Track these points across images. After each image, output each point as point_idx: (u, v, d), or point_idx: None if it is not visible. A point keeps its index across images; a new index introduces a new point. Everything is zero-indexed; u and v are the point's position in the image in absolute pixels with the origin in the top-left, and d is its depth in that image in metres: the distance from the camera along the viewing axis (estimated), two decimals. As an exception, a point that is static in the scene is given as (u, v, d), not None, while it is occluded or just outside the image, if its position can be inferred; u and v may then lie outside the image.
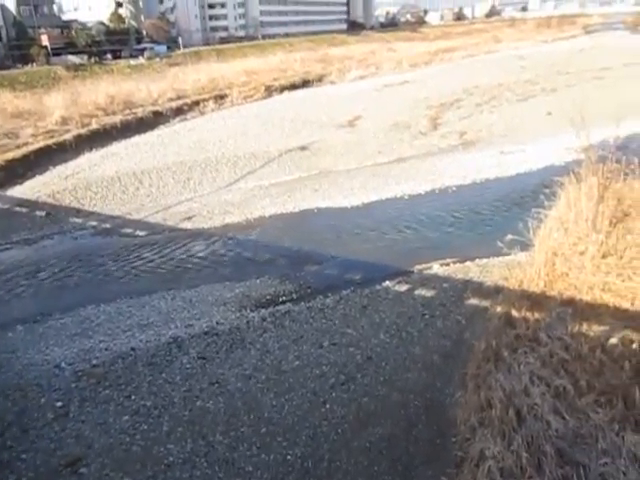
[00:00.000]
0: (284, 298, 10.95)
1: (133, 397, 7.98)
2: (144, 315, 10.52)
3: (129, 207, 17.40)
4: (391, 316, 9.74)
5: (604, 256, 7.89)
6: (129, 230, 15.66)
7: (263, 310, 10.39)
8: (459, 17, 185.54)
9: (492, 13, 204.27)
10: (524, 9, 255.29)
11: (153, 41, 66.82)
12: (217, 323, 10.00)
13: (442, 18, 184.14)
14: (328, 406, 7.52)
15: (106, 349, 9.32)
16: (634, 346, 5.63)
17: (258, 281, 11.73)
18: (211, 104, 37.00)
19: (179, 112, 34.49)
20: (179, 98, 36.77)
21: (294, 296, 11.02)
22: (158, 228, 15.51)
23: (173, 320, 10.24)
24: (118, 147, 25.75)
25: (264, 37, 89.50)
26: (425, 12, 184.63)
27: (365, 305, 10.26)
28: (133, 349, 9.26)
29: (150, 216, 16.49)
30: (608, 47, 69.66)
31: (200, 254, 13.61)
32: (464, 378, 7.13)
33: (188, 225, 15.59)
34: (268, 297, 11.02)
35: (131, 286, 12.04)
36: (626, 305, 6.62)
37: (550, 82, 38.96)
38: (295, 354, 8.80)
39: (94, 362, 8.92)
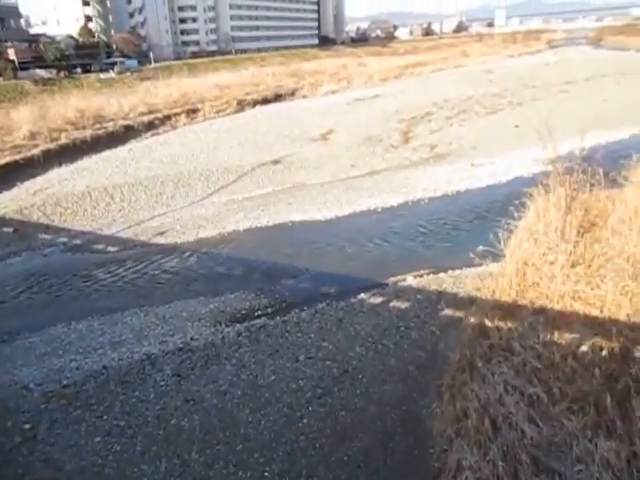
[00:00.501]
0: (259, 312, 10.89)
1: (105, 417, 7.80)
2: (116, 332, 10.34)
3: (100, 222, 17.13)
4: (367, 329, 9.76)
5: (573, 265, 8.06)
6: (100, 246, 15.41)
7: (238, 325, 10.30)
8: (428, 32, 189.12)
9: (460, 28, 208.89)
10: (490, 25, 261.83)
11: (124, 55, 66.31)
12: (192, 339, 9.88)
13: (411, 33, 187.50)
14: (305, 420, 7.47)
15: (77, 368, 9.10)
16: (604, 353, 5.74)
17: (233, 296, 11.65)
18: (183, 118, 36.85)
19: (151, 126, 34.24)
20: (151, 112, 36.50)
21: (269, 310, 10.96)
22: (130, 243, 15.30)
23: (146, 337, 10.08)
24: (89, 162, 25.39)
25: (236, 52, 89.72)
26: (395, 27, 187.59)
27: (341, 318, 10.27)
28: (105, 368, 9.08)
29: (122, 231, 16.27)
30: (572, 61, 71.86)
31: (173, 269, 13.47)
32: (440, 389, 7.18)
33: (161, 240, 15.42)
34: (243, 312, 10.94)
35: (103, 303, 11.81)
36: (595, 313, 6.76)
37: (517, 96, 39.93)
38: (271, 369, 8.74)
39: (64, 382, 8.70)
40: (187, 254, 14.27)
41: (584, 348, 5.90)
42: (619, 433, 4.82)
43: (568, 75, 51.40)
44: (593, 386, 5.31)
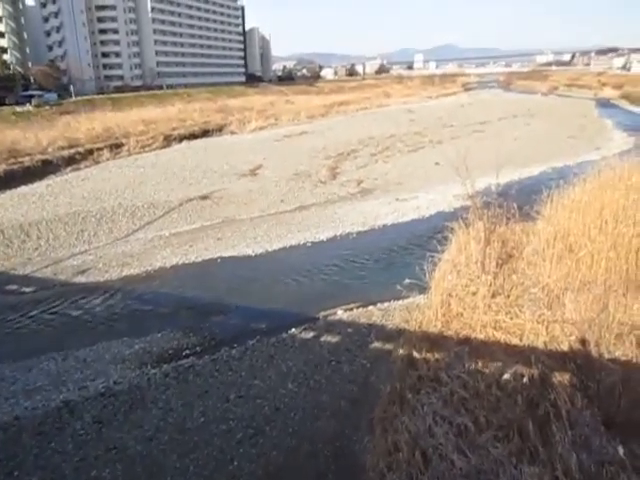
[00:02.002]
0: (188, 352, 10.56)
1: (16, 473, 7.20)
2: (30, 379, 9.66)
3: (14, 262, 16.13)
4: (298, 364, 9.69)
5: (494, 295, 8.43)
6: (14, 287, 14.47)
7: (165, 366, 9.93)
8: (351, 73, 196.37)
9: (382, 70, 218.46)
10: (410, 67, 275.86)
11: (42, 88, 63.96)
12: (115, 383, 9.40)
13: (336, 73, 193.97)
14: (236, 463, 7.24)
15: (-16, 421, 8.40)
16: (525, 380, 5.99)
17: (159, 335, 11.24)
18: (106, 153, 35.90)
19: (71, 161, 33.02)
20: (71, 147, 35.27)
21: (198, 349, 10.65)
22: (48, 283, 14.47)
23: (64, 383, 9.48)
24: (2, 198, 24.04)
25: (161, 87, 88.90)
26: (320, 67, 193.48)
27: (272, 354, 10.14)
28: (17, 418, 8.43)
29: (38, 271, 15.39)
30: (485, 103, 76.69)
31: (95, 309, 12.84)
32: (372, 423, 7.20)
33: (82, 279, 14.71)
34: (170, 351, 10.56)
35: (15, 348, 11.01)
36: (515, 341, 7.07)
37: (437, 134, 41.98)
38: (200, 410, 8.45)
39: (-30, 437, 7.99)
40: (110, 293, 13.68)
41: (507, 376, 6.13)
42: (542, 458, 5.00)
43: (482, 116, 54.80)
44: (516, 413, 5.51)
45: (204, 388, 9.09)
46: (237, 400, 8.68)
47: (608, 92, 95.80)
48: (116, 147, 37.84)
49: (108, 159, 35.12)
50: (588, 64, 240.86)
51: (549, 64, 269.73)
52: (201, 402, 8.66)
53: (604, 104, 73.20)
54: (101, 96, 69.17)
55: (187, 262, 15.70)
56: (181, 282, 14.34)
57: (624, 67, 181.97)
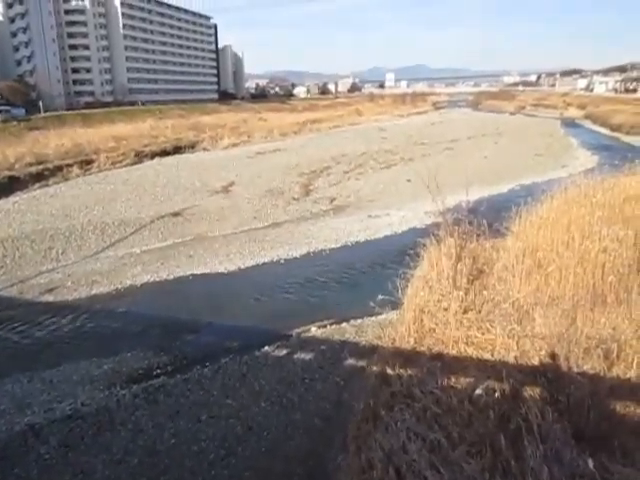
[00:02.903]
0: (158, 371, 10.36)
1: (-21, 500, 6.93)
2: (-6, 402, 9.33)
3: (-22, 281, 15.67)
4: (271, 382, 9.59)
5: (465, 311, 8.50)
6: (-23, 307, 14.04)
7: (135, 386, 9.71)
8: (324, 91, 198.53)
9: (354, 89, 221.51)
10: (382, 86, 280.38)
11: (9, 104, 62.83)
12: (82, 404, 9.15)
13: (308, 91, 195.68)
14: (208, 485, 7.09)
15: (-56, 447, 8.07)
16: (496, 395, 6.02)
17: (129, 355, 11.01)
18: (76, 169, 35.36)
19: (40, 177, 32.38)
20: (40, 163, 34.60)
21: (169, 368, 10.46)
22: (13, 303, 14.07)
23: (30, 405, 9.18)
24: (-34, 215, 23.42)
25: (132, 103, 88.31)
26: (293, 85, 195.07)
27: (244, 373, 10.03)
28: (-21, 443, 8.13)
29: (3, 290, 14.96)
30: (455, 122, 78.22)
31: (63, 329, 12.52)
32: (345, 440, 7.13)
33: (49, 298, 14.35)
34: (141, 371, 10.35)
35: (-21, 370, 10.66)
36: (487, 356, 7.13)
37: (408, 152, 42.58)
38: (171, 431, 8.27)
39: None
40: (79, 312, 13.37)
41: (479, 391, 6.16)
42: (514, 473, 5.02)
43: (452, 134, 55.85)
44: (488, 428, 5.53)
45: (175, 408, 8.91)
46: (209, 420, 8.54)
47: (573, 112, 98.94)
48: (86, 163, 37.32)
49: (78, 175, 34.59)
50: (553, 85, 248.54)
51: (516, 84, 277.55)
52: (172, 423, 8.49)
53: (569, 123, 75.44)
54: (71, 112, 68.26)
55: (158, 280, 15.48)
56: (152, 300, 14.12)
57: (587, 88, 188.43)
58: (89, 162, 37.82)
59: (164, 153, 45.29)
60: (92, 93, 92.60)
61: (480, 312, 8.44)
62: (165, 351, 11.16)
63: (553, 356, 6.73)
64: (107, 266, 16.70)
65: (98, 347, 11.50)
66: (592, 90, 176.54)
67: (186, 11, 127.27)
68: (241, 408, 8.84)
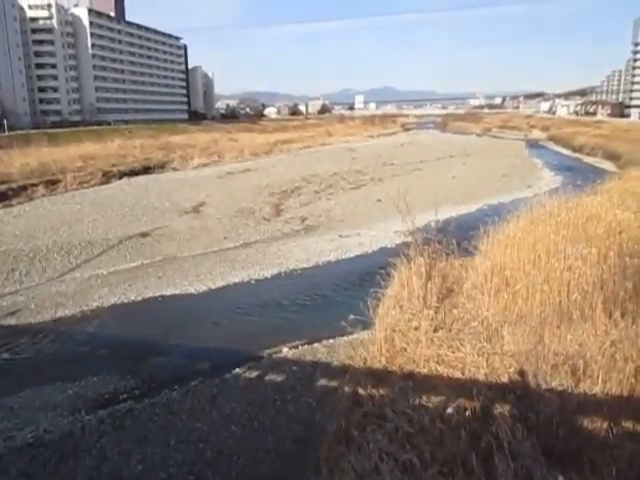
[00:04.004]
0: (125, 395, 10.08)
1: None
2: (-49, 431, 8.93)
3: (-64, 304, 15.10)
4: (242, 405, 9.44)
5: (436, 330, 8.55)
6: None
7: (101, 411, 9.43)
8: (294, 112, 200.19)
9: (324, 110, 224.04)
10: (351, 108, 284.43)
11: (-28, 122, 61.60)
12: (45, 431, 8.82)
13: (279, 112, 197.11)
14: (177, 513, 6.89)
15: None
16: (467, 413, 6.05)
17: (95, 379, 10.70)
18: (41, 189, 34.66)
19: (3, 197, 31.61)
20: (3, 183, 33.83)
21: (137, 392, 10.20)
22: (-27, 327, 13.59)
23: (-11, 434, 8.82)
24: None
25: (100, 123, 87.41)
26: (263, 106, 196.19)
27: (215, 395, 9.84)
28: None
29: (-37, 313, 14.45)
30: (424, 143, 79.63)
31: (25, 353, 12.10)
32: (318, 463, 7.04)
33: (11, 321, 13.89)
34: (107, 396, 10.06)
35: None
36: (458, 375, 7.17)
37: (378, 172, 43.09)
38: (138, 457, 8.03)
39: None
40: (42, 335, 12.97)
41: (450, 410, 6.17)
42: (486, 491, 5.03)
43: (421, 155, 56.82)
44: (460, 447, 5.53)
45: (142, 433, 8.67)
46: (178, 445, 8.33)
47: (537, 134, 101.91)
48: (52, 183, 36.61)
49: (43, 195, 33.90)
50: (517, 107, 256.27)
51: (482, 107, 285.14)
52: (139, 449, 8.25)
53: (533, 145, 77.60)
54: (37, 131, 67.10)
55: (126, 301, 15.17)
56: (120, 322, 13.81)
57: (550, 110, 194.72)
58: (55, 182, 37.13)
59: (133, 173, 44.83)
60: (59, 112, 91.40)
61: (450, 330, 8.51)
62: (133, 374, 10.89)
63: (522, 373, 6.81)
64: (73, 288, 16.31)
65: (62, 371, 11.15)
66: (554, 113, 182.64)
67: (156, 31, 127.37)
68: (211, 432, 8.65)
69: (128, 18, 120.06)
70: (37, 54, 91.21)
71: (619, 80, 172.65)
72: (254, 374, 10.66)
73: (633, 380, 6.33)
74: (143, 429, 8.82)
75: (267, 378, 10.43)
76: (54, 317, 14.11)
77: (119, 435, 8.66)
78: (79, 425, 8.98)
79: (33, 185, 34.91)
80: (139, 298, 15.40)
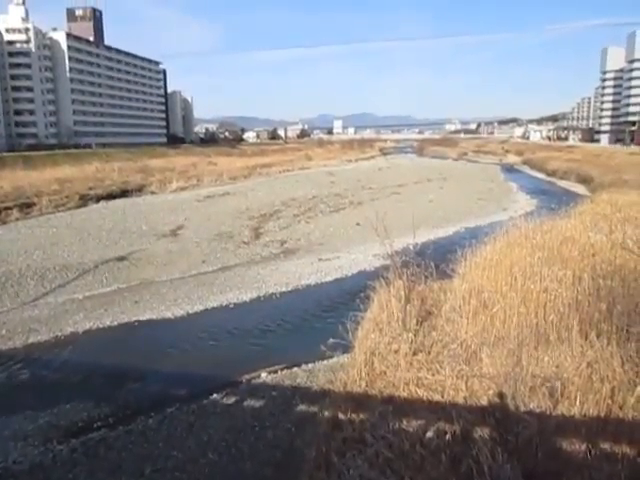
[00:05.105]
0: (99, 423, 9.80)
1: None
2: None
3: None
4: (220, 432, 9.25)
5: (415, 353, 8.55)
6: None
7: (74, 440, 9.14)
8: (274, 137, 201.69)
9: (303, 134, 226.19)
10: (330, 132, 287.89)
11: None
12: (14, 462, 8.51)
13: (258, 137, 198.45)
14: None
15: None
16: (447, 437, 6.02)
17: (68, 406, 10.39)
18: (15, 213, 34.12)
19: (-25, 221, 31.05)
20: (-25, 206, 33.27)
21: (111, 420, 9.93)
22: (-59, 354, 13.16)
23: (-45, 466, 8.48)
24: None
25: (77, 146, 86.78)
26: (242, 130, 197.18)
27: (192, 422, 9.64)
28: None
29: None
30: (401, 167, 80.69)
31: (-5, 381, 11.74)
32: (298, 490, 6.93)
33: (-19, 348, 13.50)
34: (80, 424, 9.77)
35: None
36: (437, 398, 7.15)
37: (357, 196, 43.42)
38: (112, 488, 7.79)
39: None
40: (13, 362, 12.59)
41: (430, 434, 6.14)
42: (467, 516, 4.99)
43: (399, 179, 57.50)
44: (440, 471, 5.50)
45: (116, 463, 8.43)
46: (153, 474, 8.10)
47: (512, 158, 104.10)
48: (27, 207, 36.10)
49: (17, 219, 33.36)
50: (492, 132, 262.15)
51: (458, 132, 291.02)
52: (113, 479, 8.00)
53: (508, 169, 79.23)
54: (12, 154, 66.30)
55: (101, 327, 14.87)
56: (94, 348, 13.52)
57: (523, 136, 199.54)
58: (30, 205, 36.63)
59: (110, 196, 44.46)
60: (35, 135, 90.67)
61: (429, 353, 8.51)
62: (107, 402, 10.62)
63: (501, 396, 6.83)
64: (46, 313, 15.95)
65: (34, 399, 10.81)
66: (528, 138, 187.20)
67: (135, 56, 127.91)
68: (188, 460, 8.45)
69: (108, 43, 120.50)
70: (14, 77, 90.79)
71: (589, 107, 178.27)
72: (232, 400, 10.49)
73: (609, 401, 6.39)
74: (117, 458, 8.57)
75: (245, 404, 10.27)
76: (26, 343, 13.74)
77: (92, 465, 8.39)
78: (50, 455, 8.70)
79: (7, 208, 34.37)
80: (115, 323, 15.12)
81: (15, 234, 28.37)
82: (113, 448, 8.86)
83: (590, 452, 5.68)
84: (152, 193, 48.80)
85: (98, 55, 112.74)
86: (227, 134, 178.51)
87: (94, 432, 9.45)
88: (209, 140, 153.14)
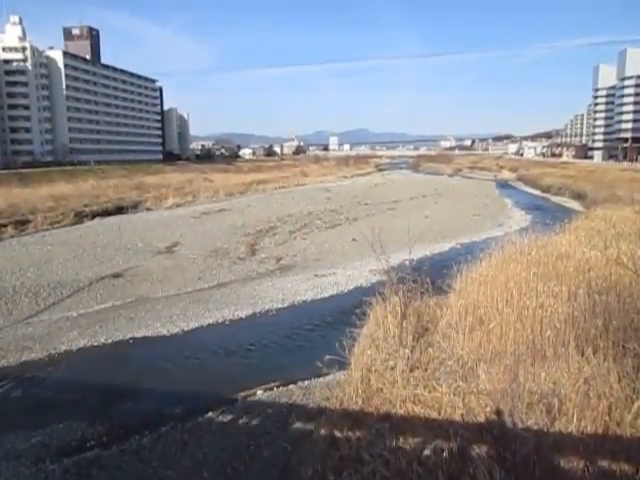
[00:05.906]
0: (93, 443, 9.68)
1: None
2: None
3: None
4: (215, 451, 9.14)
5: (412, 369, 8.51)
6: None
7: (66, 460, 9.01)
8: (270, 153, 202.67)
9: (299, 151, 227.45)
10: (326, 149, 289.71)
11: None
12: (6, 484, 8.39)
13: (254, 153, 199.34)
14: None
15: None
16: (444, 455, 5.98)
17: (61, 425, 10.26)
18: (10, 230, 34.01)
19: (-32, 239, 30.91)
20: (-31, 224, 33.17)
21: (104, 439, 9.81)
22: None
23: (-54, 487, 8.35)
24: None
25: (73, 163, 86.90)
26: (238, 147, 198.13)
27: (186, 441, 9.53)
28: None
29: None
30: (397, 183, 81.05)
31: (-12, 400, 11.61)
32: (293, 510, 6.84)
33: (-26, 367, 13.36)
34: (73, 444, 9.64)
35: None
36: (434, 415, 7.10)
37: (353, 212, 43.53)
38: (105, 509, 7.67)
39: None
40: (6, 381, 12.45)
41: (427, 452, 6.09)
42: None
43: (394, 195, 57.73)
44: (438, 489, 5.46)
45: (110, 483, 8.31)
46: (147, 495, 7.99)
47: (506, 174, 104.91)
48: (21, 224, 36.01)
49: (12, 236, 33.24)
50: (486, 149, 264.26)
51: (453, 148, 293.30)
52: (106, 500, 7.89)
53: (503, 185, 79.75)
54: (7, 171, 66.31)
55: (96, 344, 14.76)
56: (89, 366, 13.40)
57: (517, 152, 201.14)
58: (25, 222, 36.54)
59: (106, 213, 44.43)
60: (31, 152, 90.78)
61: (426, 370, 8.48)
62: (101, 420, 10.50)
63: (498, 412, 6.79)
64: (40, 331, 15.82)
65: (26, 418, 10.69)
66: (522, 154, 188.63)
67: (131, 74, 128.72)
68: (182, 479, 8.34)
69: (104, 61, 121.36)
70: (10, 95, 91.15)
71: (582, 124, 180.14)
72: (227, 418, 10.38)
73: (607, 418, 6.36)
74: (110, 478, 8.45)
75: (241, 422, 10.17)
76: (19, 361, 13.60)
77: (85, 485, 8.27)
78: (42, 475, 8.56)
79: (1, 225, 34.27)
80: (109, 341, 15.01)
81: (9, 251, 28.24)
82: (106, 468, 8.74)
83: (588, 470, 5.64)
84: (148, 210, 48.82)
85: (95, 73, 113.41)
86: (223, 151, 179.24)
87: (87, 451, 9.32)
88: (205, 157, 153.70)
